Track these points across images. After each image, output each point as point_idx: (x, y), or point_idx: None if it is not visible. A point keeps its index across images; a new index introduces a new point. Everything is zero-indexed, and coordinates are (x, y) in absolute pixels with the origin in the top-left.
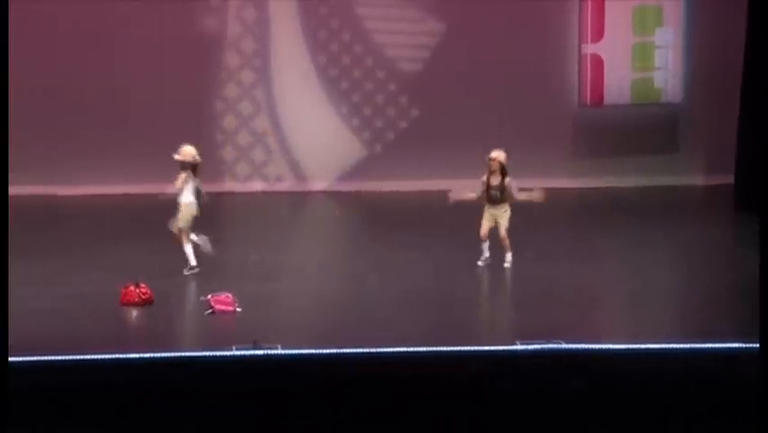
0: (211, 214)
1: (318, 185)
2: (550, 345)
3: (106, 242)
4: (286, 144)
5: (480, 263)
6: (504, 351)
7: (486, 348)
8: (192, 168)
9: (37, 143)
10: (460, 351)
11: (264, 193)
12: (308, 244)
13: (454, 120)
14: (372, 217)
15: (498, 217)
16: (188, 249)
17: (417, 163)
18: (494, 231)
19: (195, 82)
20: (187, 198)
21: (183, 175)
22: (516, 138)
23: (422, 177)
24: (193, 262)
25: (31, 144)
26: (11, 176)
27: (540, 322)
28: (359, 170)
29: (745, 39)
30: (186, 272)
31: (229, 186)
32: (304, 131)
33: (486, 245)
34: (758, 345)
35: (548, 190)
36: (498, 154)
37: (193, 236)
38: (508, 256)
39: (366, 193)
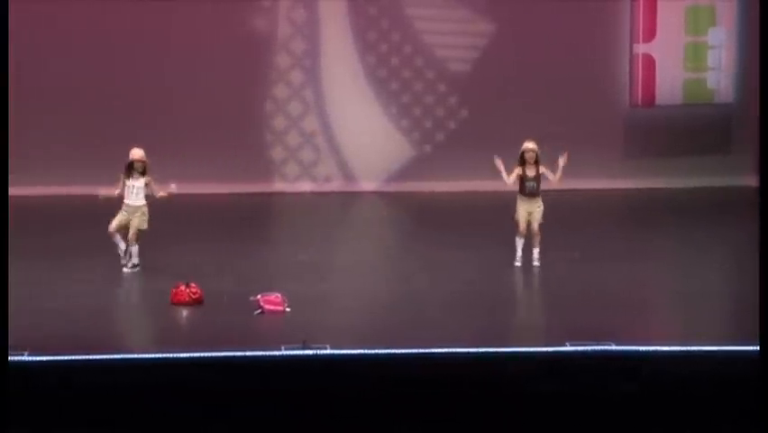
0: (260, 214)
1: (367, 185)
2: (600, 347)
3: (158, 240)
4: (335, 144)
5: (517, 264)
6: (553, 352)
7: (535, 349)
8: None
9: (81, 143)
10: (509, 352)
11: (313, 193)
12: (357, 244)
13: (504, 121)
14: (421, 218)
15: (533, 212)
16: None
17: (466, 164)
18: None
19: (245, 82)
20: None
21: (148, 178)
22: (567, 139)
23: (471, 177)
24: (122, 249)
25: (75, 145)
26: (57, 175)
27: (589, 323)
28: (408, 170)
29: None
30: (128, 269)
31: (278, 186)
32: (353, 131)
33: (521, 243)
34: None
35: (599, 191)
36: (534, 145)
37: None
38: (536, 253)
39: (415, 194)
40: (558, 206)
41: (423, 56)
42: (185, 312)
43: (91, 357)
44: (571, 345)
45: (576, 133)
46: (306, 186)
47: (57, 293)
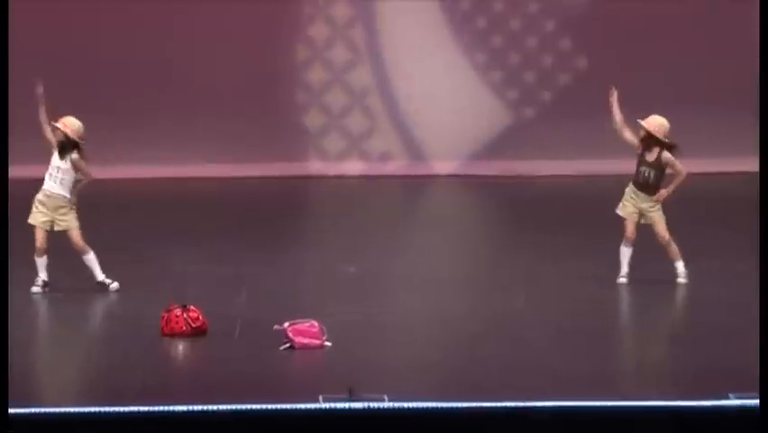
0: (289, 206)
1: (442, 166)
2: None
3: (149, 241)
4: (395, 108)
5: (621, 280)
6: (711, 407)
7: (683, 403)
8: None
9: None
10: (644, 406)
11: (364, 177)
12: (426, 249)
13: (637, 74)
14: (517, 212)
15: (647, 212)
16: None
17: (583, 135)
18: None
19: (268, 21)
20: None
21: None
22: (725, 99)
23: (589, 155)
24: (43, 280)
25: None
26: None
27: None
28: (500, 145)
29: None
30: (39, 288)
31: (315, 166)
32: (421, 89)
33: (628, 254)
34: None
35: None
36: (655, 121)
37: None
38: (680, 267)
39: (511, 179)
40: (709, 196)
41: None
42: (181, 346)
43: (54, 411)
44: (736, 398)
45: (738, 92)
46: (354, 166)
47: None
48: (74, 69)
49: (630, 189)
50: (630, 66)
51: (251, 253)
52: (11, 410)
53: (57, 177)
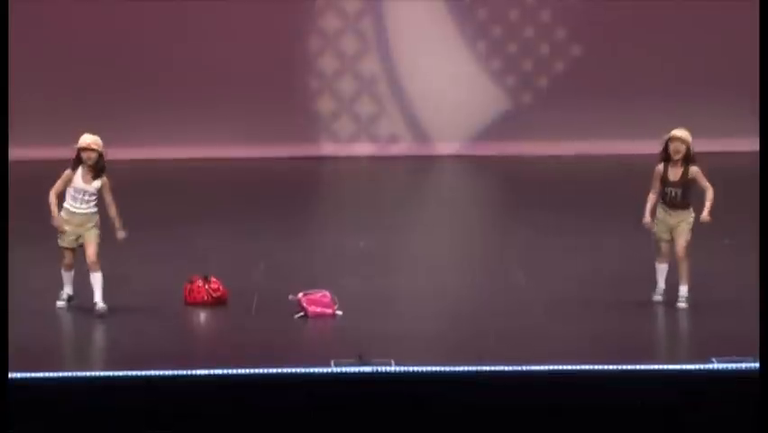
0: (302, 185)
1: (445, 147)
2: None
3: (171, 219)
4: (402, 93)
5: (657, 297)
6: (695, 371)
7: (669, 367)
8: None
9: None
10: (632, 370)
11: (373, 158)
12: (432, 226)
13: (634, 62)
14: (518, 191)
15: (676, 228)
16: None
17: (577, 118)
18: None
19: (282, 11)
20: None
21: (104, 179)
22: (729, 91)
23: (584, 136)
24: (68, 294)
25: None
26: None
27: (743, 334)
28: (500, 127)
29: None
30: (63, 302)
31: (326, 148)
32: (426, 75)
33: (663, 270)
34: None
35: None
36: (683, 134)
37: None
38: (683, 290)
39: (509, 158)
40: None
41: None
42: (203, 315)
43: (84, 375)
44: (719, 362)
45: (745, 83)
46: (363, 148)
47: (35, 290)
48: (95, 58)
49: (660, 208)
50: (621, 53)
51: (267, 230)
52: (39, 375)
53: (84, 199)
